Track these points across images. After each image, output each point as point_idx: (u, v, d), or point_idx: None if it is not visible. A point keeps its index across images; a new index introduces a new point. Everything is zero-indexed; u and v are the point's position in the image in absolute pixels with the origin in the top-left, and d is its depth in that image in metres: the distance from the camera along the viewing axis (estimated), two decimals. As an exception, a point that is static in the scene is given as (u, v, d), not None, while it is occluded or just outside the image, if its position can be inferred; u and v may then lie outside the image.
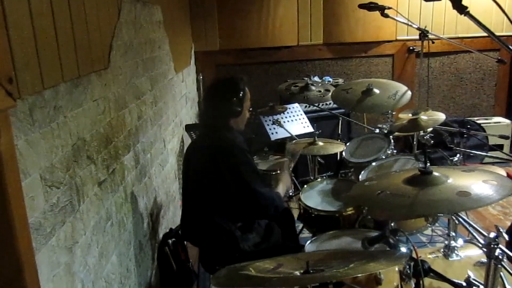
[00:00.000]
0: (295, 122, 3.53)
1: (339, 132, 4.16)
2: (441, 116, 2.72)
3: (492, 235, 1.36)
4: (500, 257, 1.35)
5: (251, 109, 2.37)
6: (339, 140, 3.55)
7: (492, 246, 1.35)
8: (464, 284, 1.59)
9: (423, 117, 2.69)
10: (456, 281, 1.60)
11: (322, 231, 2.11)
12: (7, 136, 0.93)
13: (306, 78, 3.77)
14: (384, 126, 3.56)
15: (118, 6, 2.05)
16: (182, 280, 2.46)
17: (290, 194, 3.48)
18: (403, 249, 1.59)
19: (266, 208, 2.14)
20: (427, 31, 2.91)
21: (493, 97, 5.12)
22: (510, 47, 1.31)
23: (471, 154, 3.03)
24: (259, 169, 3.00)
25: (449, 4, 1.26)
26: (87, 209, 1.54)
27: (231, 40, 4.69)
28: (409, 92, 2.79)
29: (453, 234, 2.02)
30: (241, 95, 2.14)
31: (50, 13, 1.31)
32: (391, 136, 2.86)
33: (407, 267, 1.52)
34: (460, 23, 4.71)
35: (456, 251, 1.98)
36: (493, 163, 4.04)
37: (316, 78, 4.60)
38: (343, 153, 2.97)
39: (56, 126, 1.33)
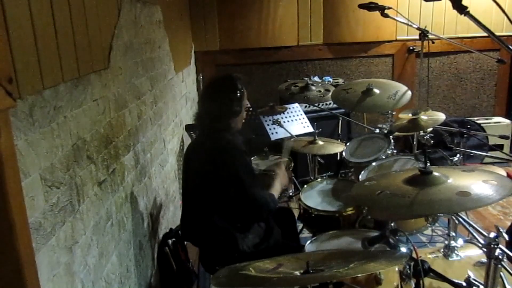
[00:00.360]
0: (295, 122, 3.53)
1: (339, 132, 4.15)
2: (441, 116, 2.72)
3: (492, 235, 1.36)
4: (500, 257, 1.35)
5: (248, 106, 2.36)
6: (339, 140, 3.55)
7: (492, 246, 1.35)
8: (464, 284, 1.59)
9: (423, 117, 2.69)
10: (456, 281, 1.60)
11: (322, 231, 2.11)
12: (7, 136, 0.92)
13: (306, 78, 3.78)
14: (384, 126, 3.57)
15: (118, 6, 2.05)
16: (182, 280, 2.46)
17: (290, 194, 3.48)
18: (403, 249, 1.59)
19: (259, 209, 2.13)
20: (427, 31, 2.91)
21: (493, 97, 5.12)
22: (510, 47, 1.31)
23: (471, 154, 3.03)
24: (259, 169, 3.00)
25: (449, 4, 1.26)
26: (87, 209, 1.54)
27: (231, 40, 4.68)
28: (409, 92, 2.80)
29: (453, 234, 2.02)
30: (239, 94, 2.14)
31: (50, 13, 1.31)
32: (391, 136, 2.87)
33: (407, 267, 1.52)
34: (460, 23, 4.71)
35: (456, 251, 1.98)
36: (493, 163, 4.05)
37: (316, 78, 4.60)
38: (343, 153, 2.97)
39: (56, 126, 1.33)
